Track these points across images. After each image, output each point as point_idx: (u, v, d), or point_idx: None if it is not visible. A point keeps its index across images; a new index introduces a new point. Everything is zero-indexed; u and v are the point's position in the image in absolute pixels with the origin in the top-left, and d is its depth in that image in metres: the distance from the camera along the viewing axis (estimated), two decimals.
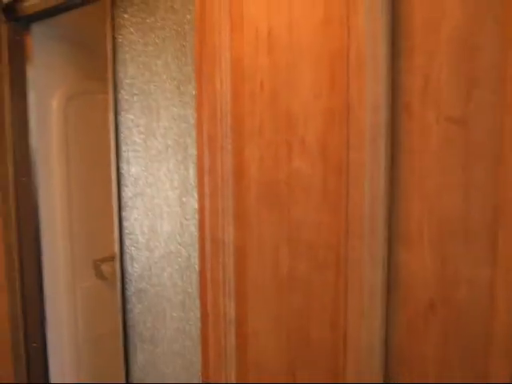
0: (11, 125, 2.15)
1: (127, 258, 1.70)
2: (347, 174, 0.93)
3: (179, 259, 1.53)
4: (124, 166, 1.64)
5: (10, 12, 2.02)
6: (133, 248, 1.67)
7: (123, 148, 1.63)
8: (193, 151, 1.40)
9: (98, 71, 2.34)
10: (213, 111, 1.17)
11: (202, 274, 1.28)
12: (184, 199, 1.47)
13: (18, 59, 2.12)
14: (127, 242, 1.69)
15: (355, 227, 0.93)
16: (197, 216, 1.43)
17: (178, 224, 1.50)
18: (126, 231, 1.68)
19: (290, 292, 1.07)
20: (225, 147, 1.15)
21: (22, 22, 2.06)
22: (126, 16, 1.54)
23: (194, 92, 1.36)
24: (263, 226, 1.11)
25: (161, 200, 1.55)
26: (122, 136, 1.63)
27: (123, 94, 1.60)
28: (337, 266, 0.98)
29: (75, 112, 2.34)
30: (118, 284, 1.72)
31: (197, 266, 1.47)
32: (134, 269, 1.69)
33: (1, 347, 2.23)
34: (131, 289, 1.71)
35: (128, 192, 1.65)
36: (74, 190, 2.38)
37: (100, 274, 2.49)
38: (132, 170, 1.62)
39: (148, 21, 1.48)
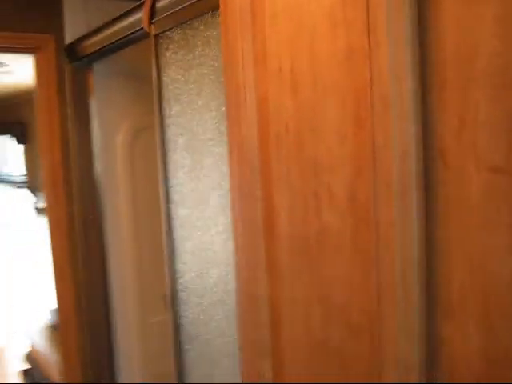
0: (77, 163, 2.17)
1: (179, 302, 1.63)
2: (376, 231, 0.80)
3: (226, 307, 1.43)
4: (173, 208, 1.58)
5: (73, 53, 2.05)
6: (183, 293, 1.60)
7: (171, 189, 1.57)
8: None
9: None
10: (241, 155, 1.07)
11: (239, 330, 1.17)
12: (229, 244, 1.38)
13: (82, 98, 2.14)
14: (178, 286, 1.62)
15: (387, 292, 0.80)
16: None
17: (224, 271, 1.41)
18: (177, 275, 1.62)
19: (325, 359, 0.94)
20: (254, 195, 1.05)
21: (84, 62, 2.07)
22: (168, 54, 1.49)
23: None
24: (295, 284, 0.99)
25: (207, 244, 1.47)
26: (170, 176, 1.57)
27: (169, 134, 1.55)
28: (370, 335, 0.84)
29: (141, 147, 2.33)
30: (171, 328, 1.65)
31: None
32: (186, 313, 1.62)
33: None
34: (185, 333, 1.64)
35: (177, 234, 1.59)
36: (142, 225, 2.36)
37: None
38: (180, 212, 1.56)
39: (188, 58, 1.42)
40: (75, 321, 2.17)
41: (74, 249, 2.19)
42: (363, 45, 0.78)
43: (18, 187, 4.62)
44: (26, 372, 3.00)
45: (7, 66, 3.23)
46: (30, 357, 3.03)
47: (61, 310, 2.16)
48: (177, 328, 1.63)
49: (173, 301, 1.62)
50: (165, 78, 1.52)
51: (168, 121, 1.55)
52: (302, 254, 0.96)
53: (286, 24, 0.93)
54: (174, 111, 1.52)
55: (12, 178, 5.08)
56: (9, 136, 4.92)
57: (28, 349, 3.12)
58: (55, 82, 2.07)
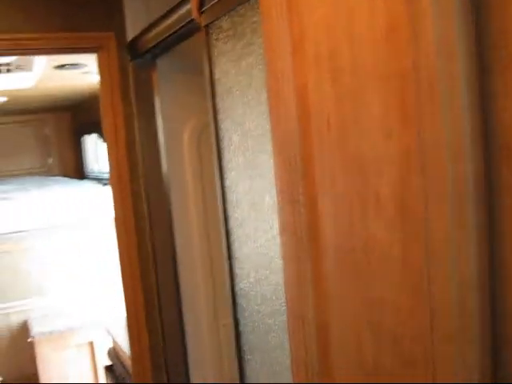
0: (143, 161, 2.13)
1: (239, 308, 1.53)
2: (427, 246, 0.65)
3: (285, 318, 1.32)
4: (229, 209, 1.48)
5: (134, 50, 2.00)
6: (243, 299, 1.50)
7: (226, 189, 1.47)
8: None
9: None
10: (282, 154, 0.95)
11: (290, 348, 1.06)
12: None
13: (146, 95, 2.09)
14: (238, 292, 1.52)
15: (442, 320, 0.65)
16: None
17: (282, 278, 1.30)
18: (236, 280, 1.52)
19: None
20: (297, 199, 0.92)
21: (146, 59, 2.02)
22: (218, 44, 1.38)
23: None
24: (343, 303, 0.86)
25: (263, 249, 1.36)
26: (225, 175, 1.47)
27: (223, 131, 1.45)
28: (425, 368, 0.70)
29: (208, 143, 2.24)
30: (232, 336, 1.56)
31: None
32: (246, 321, 1.52)
33: None
34: (246, 342, 1.54)
35: (234, 237, 1.49)
36: (212, 226, 2.28)
37: None
38: (236, 213, 1.46)
39: (237, 47, 1.31)
40: (145, 322, 2.14)
41: (142, 248, 2.16)
42: (405, 17, 0.64)
43: (105, 184, 4.73)
44: (108, 368, 3.04)
45: (86, 66, 3.26)
46: (112, 353, 3.06)
47: (128, 311, 2.13)
48: (238, 336, 1.54)
49: (233, 307, 1.53)
50: (217, 71, 1.42)
51: (221, 116, 1.45)
52: (349, 270, 0.82)
53: (322, 2, 0.79)
54: (226, 106, 1.42)
55: (102, 176, 5.22)
56: (96, 135, 5.06)
57: (110, 345, 3.16)
58: (118, 80, 2.03)
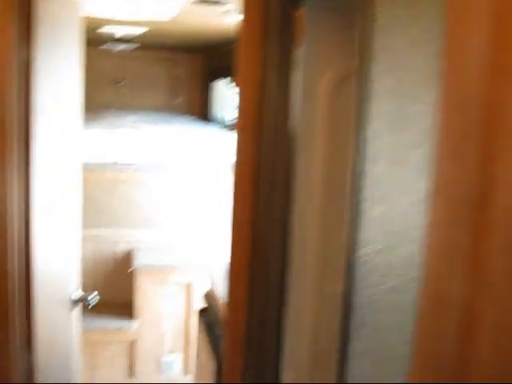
0: (273, 109, 1.99)
1: (356, 277, 1.37)
2: None
3: (412, 297, 1.14)
4: (364, 163, 1.31)
5: None
6: (363, 268, 1.33)
7: (365, 141, 1.29)
8: None
9: None
10: (457, 96, 0.76)
11: (416, 332, 0.88)
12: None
13: (288, 37, 1.93)
14: (358, 258, 1.36)
15: None
16: None
17: (417, 251, 1.11)
18: (359, 245, 1.35)
19: None
20: (466, 154, 0.73)
21: None
22: None
23: None
24: (508, 294, 0.67)
25: (400, 214, 1.18)
26: (365, 125, 1.29)
27: (372, 75, 1.26)
28: None
29: (346, 96, 2.05)
30: (340, 307, 1.41)
31: None
32: (362, 292, 1.35)
33: (235, 348, 2.12)
34: (355, 314, 1.38)
35: (366, 195, 1.31)
36: (335, 182, 2.09)
37: None
38: (372, 169, 1.28)
39: None
40: (247, 273, 2.03)
41: (257, 197, 2.04)
42: None
43: (229, 130, 4.71)
44: (202, 311, 3.02)
45: (226, 4, 3.16)
46: (209, 297, 3.03)
47: (233, 259, 2.04)
48: (347, 307, 1.38)
49: (348, 274, 1.37)
50: (373, 3, 1.23)
51: (372, 58, 1.26)
52: None
53: None
54: (381, 46, 1.23)
55: (228, 121, 5.21)
56: (227, 79, 5.02)
57: (208, 288, 3.12)
58: (259, 17, 1.88)
